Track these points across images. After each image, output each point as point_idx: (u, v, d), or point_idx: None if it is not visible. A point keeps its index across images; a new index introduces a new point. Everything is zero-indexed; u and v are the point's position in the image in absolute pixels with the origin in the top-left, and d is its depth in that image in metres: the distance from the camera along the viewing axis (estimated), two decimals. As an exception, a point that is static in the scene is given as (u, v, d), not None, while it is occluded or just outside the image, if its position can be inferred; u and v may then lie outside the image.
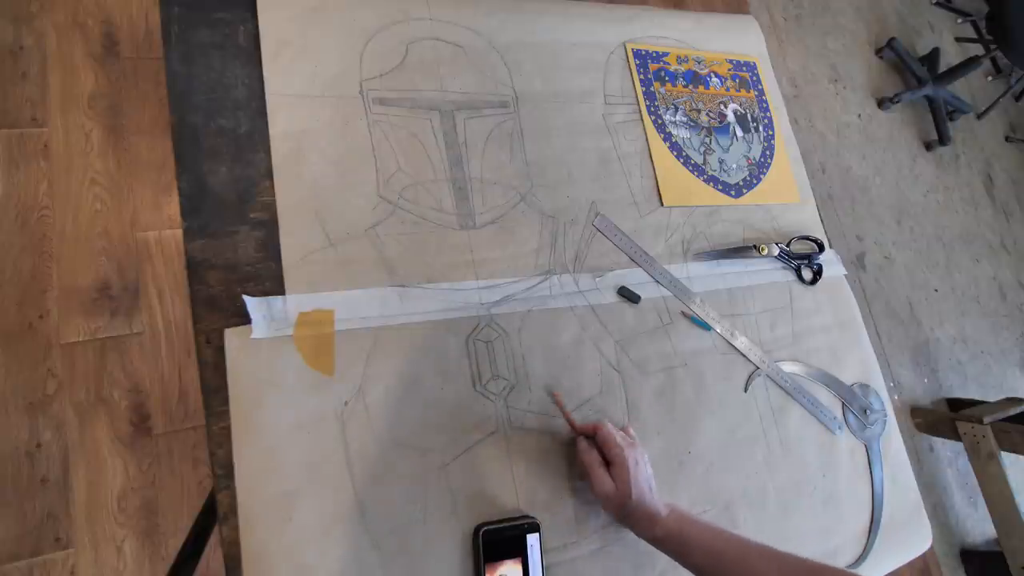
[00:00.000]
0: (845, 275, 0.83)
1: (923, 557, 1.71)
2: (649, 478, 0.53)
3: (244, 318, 0.50)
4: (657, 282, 0.69)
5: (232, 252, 0.53)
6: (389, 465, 0.52)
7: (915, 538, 0.74)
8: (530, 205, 0.66)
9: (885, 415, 0.77)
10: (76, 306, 1.13)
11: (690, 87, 0.81)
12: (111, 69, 1.25)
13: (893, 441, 0.77)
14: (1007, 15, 1.89)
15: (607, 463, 0.54)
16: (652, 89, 0.78)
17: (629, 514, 0.52)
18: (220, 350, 0.49)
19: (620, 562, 0.58)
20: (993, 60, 2.59)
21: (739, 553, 0.47)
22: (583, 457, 0.55)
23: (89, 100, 1.23)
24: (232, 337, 0.49)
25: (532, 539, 0.53)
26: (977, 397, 2.03)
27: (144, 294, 1.18)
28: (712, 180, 0.78)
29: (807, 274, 0.79)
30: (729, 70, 0.85)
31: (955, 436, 1.75)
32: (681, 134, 0.78)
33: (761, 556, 0.47)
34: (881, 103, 2.30)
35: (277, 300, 0.52)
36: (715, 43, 0.86)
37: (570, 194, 0.68)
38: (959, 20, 2.62)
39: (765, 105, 0.86)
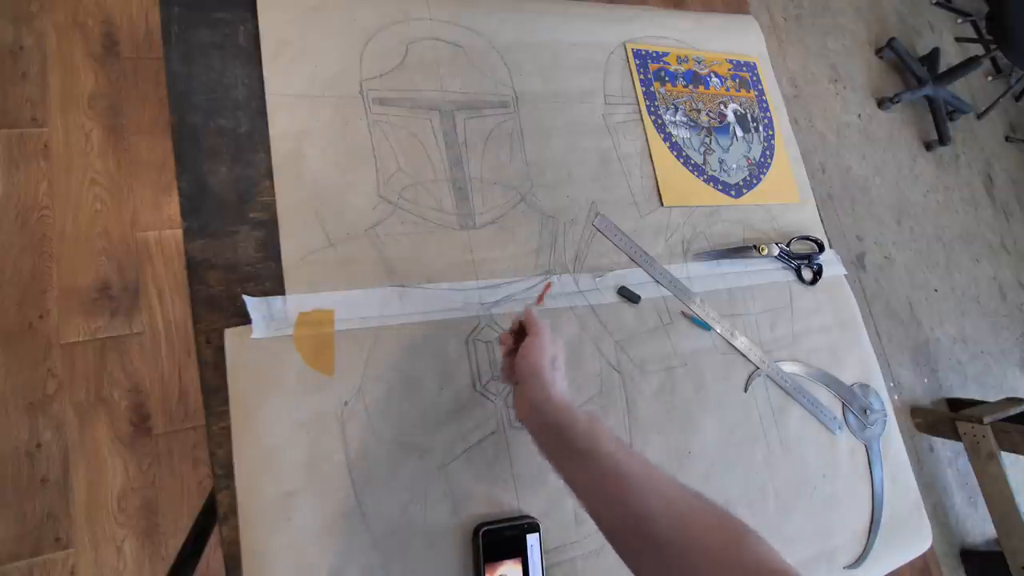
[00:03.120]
0: (845, 275, 0.83)
1: (923, 557, 1.71)
2: (553, 355, 0.48)
3: (244, 318, 0.50)
4: (657, 282, 0.69)
5: (232, 252, 0.53)
6: (389, 465, 0.52)
7: (915, 538, 0.74)
8: (530, 205, 0.66)
9: (885, 415, 0.77)
10: (76, 306, 1.13)
11: (690, 87, 0.81)
12: (111, 69, 1.25)
13: (893, 441, 0.77)
14: (1007, 15, 1.89)
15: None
16: (652, 89, 0.78)
17: (522, 383, 0.48)
18: (220, 350, 0.49)
19: (620, 562, 0.57)
20: (993, 60, 2.59)
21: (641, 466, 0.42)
22: (502, 343, 0.52)
23: (89, 100, 1.23)
24: (232, 337, 0.49)
25: (532, 539, 0.53)
26: (977, 397, 2.03)
27: (144, 294, 1.18)
28: (712, 180, 0.78)
29: (807, 274, 0.79)
30: (729, 70, 0.85)
31: (955, 436, 1.75)
32: (681, 134, 0.78)
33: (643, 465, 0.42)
34: (881, 103, 2.30)
35: (277, 300, 0.52)
36: (715, 43, 0.86)
37: (570, 194, 0.68)
38: (959, 20, 2.62)
39: (765, 105, 0.86)
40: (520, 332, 0.52)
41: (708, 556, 0.36)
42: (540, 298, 0.62)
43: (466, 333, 0.58)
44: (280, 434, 0.49)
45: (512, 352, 0.51)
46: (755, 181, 0.81)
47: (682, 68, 0.82)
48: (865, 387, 0.77)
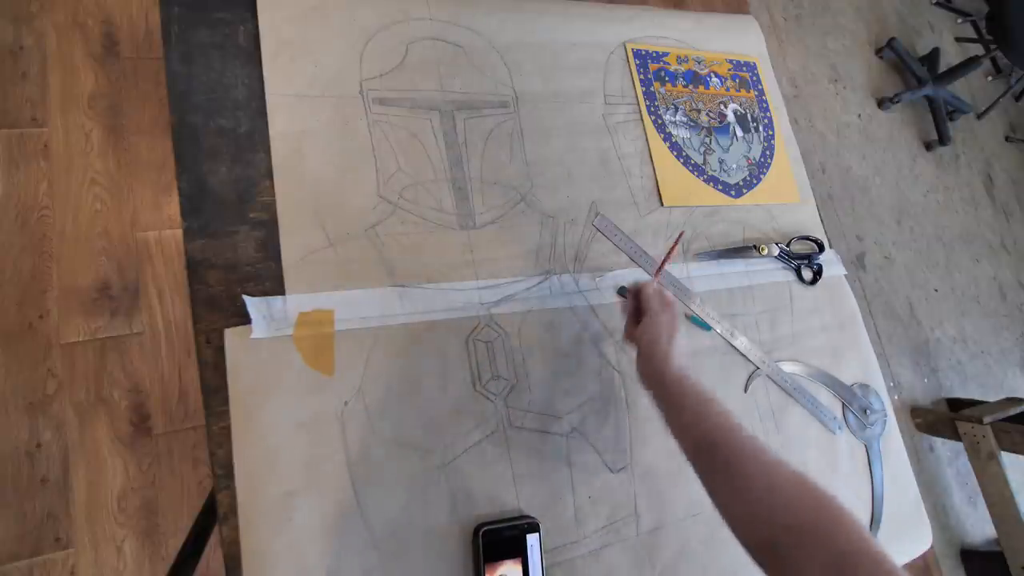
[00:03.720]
0: (845, 275, 0.83)
1: (923, 557, 1.71)
2: (669, 332, 0.54)
3: (244, 318, 0.50)
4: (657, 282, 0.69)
5: (232, 252, 0.53)
6: (389, 465, 0.52)
7: (915, 538, 0.75)
8: (530, 205, 0.66)
9: (885, 415, 0.77)
10: (76, 306, 1.13)
11: (690, 87, 0.81)
12: (111, 69, 1.25)
13: (893, 441, 0.77)
14: (1007, 15, 1.89)
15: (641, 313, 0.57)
16: (652, 89, 0.78)
17: (640, 353, 0.55)
18: (220, 350, 0.49)
19: (620, 562, 0.58)
20: (993, 60, 2.59)
21: (725, 426, 0.48)
22: (626, 306, 0.60)
23: (89, 100, 1.23)
24: (232, 337, 0.49)
25: (532, 539, 0.53)
26: (977, 397, 2.03)
27: (144, 294, 1.18)
28: (712, 180, 0.78)
29: (807, 274, 0.79)
30: (729, 70, 0.85)
31: (955, 436, 1.75)
32: (681, 134, 0.78)
33: (746, 440, 0.47)
34: (881, 103, 2.30)
35: (277, 300, 0.52)
36: (715, 43, 0.86)
37: (570, 194, 0.68)
38: (959, 20, 2.62)
39: (765, 105, 0.86)
40: (638, 295, 0.58)
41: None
42: (668, 257, 0.62)
43: (466, 333, 0.58)
44: (280, 434, 0.49)
45: (633, 317, 0.58)
46: (755, 181, 0.81)
47: (682, 68, 0.82)
48: (865, 387, 0.77)
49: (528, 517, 0.54)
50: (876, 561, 0.36)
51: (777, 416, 0.70)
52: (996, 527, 1.64)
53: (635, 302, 0.59)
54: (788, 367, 0.73)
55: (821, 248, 0.80)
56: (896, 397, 1.93)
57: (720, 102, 0.83)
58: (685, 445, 0.48)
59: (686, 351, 0.56)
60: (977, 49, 2.50)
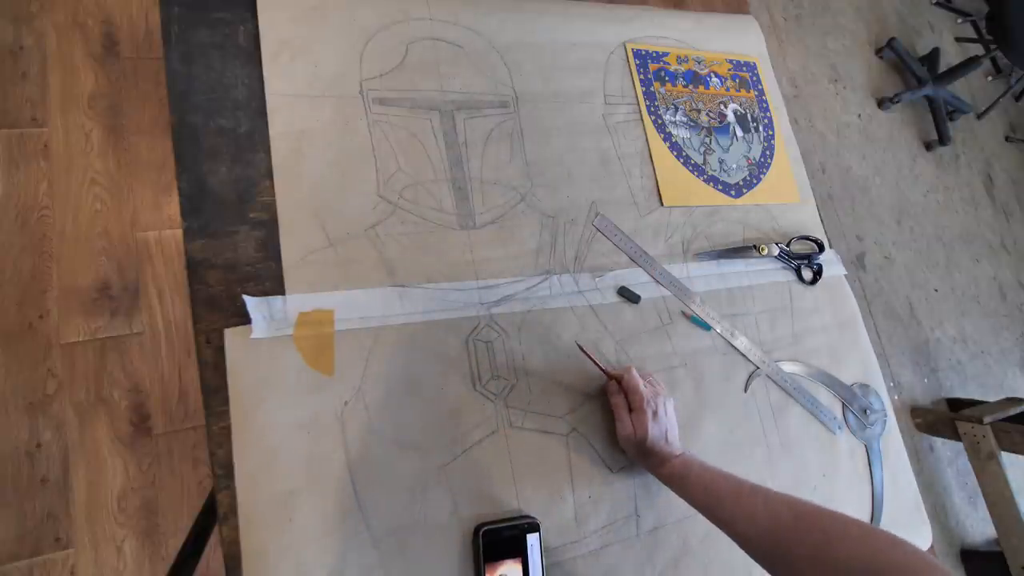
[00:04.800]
0: (845, 275, 0.83)
1: (923, 557, 1.71)
2: (667, 424, 0.57)
3: (244, 318, 0.50)
4: (657, 282, 0.69)
5: (232, 252, 0.53)
6: (389, 465, 0.52)
7: (915, 538, 0.74)
8: (530, 205, 0.66)
9: (885, 415, 0.77)
10: (76, 306, 1.13)
11: (690, 87, 0.81)
12: (111, 69, 1.25)
13: (893, 441, 0.77)
14: (1007, 15, 1.89)
15: (630, 407, 0.58)
16: (652, 89, 0.78)
17: (642, 453, 0.57)
18: (220, 350, 0.49)
19: (620, 562, 0.58)
20: (993, 60, 2.59)
21: (732, 489, 0.51)
22: (611, 399, 0.60)
23: (89, 100, 1.23)
24: (232, 337, 0.49)
25: (532, 539, 0.53)
26: (977, 397, 2.03)
27: (144, 294, 1.18)
28: (712, 180, 0.78)
29: (807, 274, 0.79)
30: (729, 70, 0.85)
31: (955, 436, 1.75)
32: (681, 134, 0.78)
33: (752, 492, 0.50)
34: (881, 103, 2.30)
35: (277, 300, 0.52)
36: (715, 43, 0.86)
37: (570, 194, 0.68)
38: (959, 20, 2.62)
39: (765, 105, 0.86)
40: (624, 391, 0.59)
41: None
42: (596, 363, 0.60)
43: (466, 333, 0.58)
44: (280, 434, 0.49)
45: (627, 407, 0.58)
46: (755, 181, 0.81)
47: (682, 68, 0.82)
48: (865, 387, 0.77)
49: (528, 517, 0.54)
50: None
51: (777, 416, 0.70)
52: (996, 527, 1.64)
53: (621, 394, 0.59)
54: (788, 367, 0.73)
55: (821, 248, 0.80)
56: (896, 397, 1.93)
57: (720, 102, 0.83)
58: (746, 536, 0.48)
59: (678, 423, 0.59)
60: (977, 49, 2.50)
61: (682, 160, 0.77)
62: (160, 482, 1.11)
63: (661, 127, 0.77)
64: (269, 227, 0.54)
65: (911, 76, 2.33)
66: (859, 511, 0.72)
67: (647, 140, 0.75)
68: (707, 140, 0.80)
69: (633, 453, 0.58)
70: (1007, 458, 1.63)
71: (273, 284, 0.53)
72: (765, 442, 0.69)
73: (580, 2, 0.80)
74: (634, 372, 0.58)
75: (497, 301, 0.60)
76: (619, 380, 0.59)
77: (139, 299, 1.17)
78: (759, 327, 0.73)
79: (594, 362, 0.60)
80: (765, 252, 0.76)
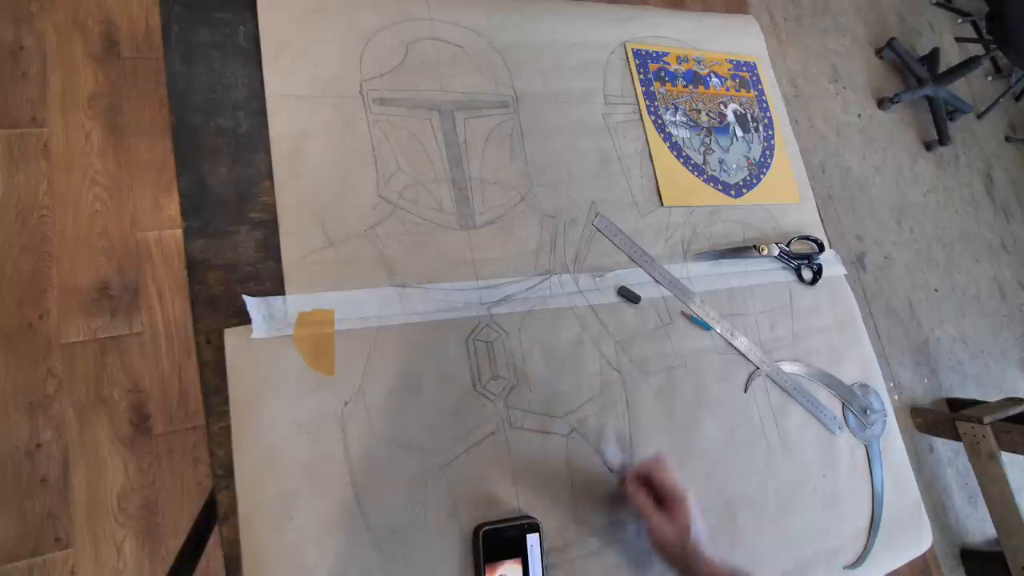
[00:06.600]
0: (845, 275, 0.83)
1: (923, 557, 1.71)
2: (698, 535, 0.50)
3: (244, 318, 0.50)
4: (657, 282, 0.69)
5: (232, 252, 0.53)
6: (389, 465, 0.52)
7: (915, 538, 0.74)
8: (530, 205, 0.66)
9: (885, 415, 0.77)
10: (76, 306, 1.13)
11: (690, 87, 0.81)
12: (111, 69, 1.25)
13: (893, 441, 0.77)
14: (1007, 15, 1.89)
15: (659, 502, 0.52)
16: (652, 89, 0.78)
17: (688, 555, 0.49)
18: (220, 350, 0.49)
19: (620, 562, 0.58)
20: (993, 60, 2.59)
21: None
22: (635, 500, 0.53)
23: (89, 100, 1.23)
24: (232, 337, 0.49)
25: (532, 539, 0.53)
26: (977, 397, 2.03)
27: (144, 294, 1.18)
28: (712, 180, 0.78)
29: (807, 274, 0.79)
30: (729, 70, 0.85)
31: (955, 436, 1.75)
32: (681, 134, 0.78)
33: None
34: (881, 103, 2.30)
35: (277, 300, 0.52)
36: (715, 43, 0.86)
37: (570, 194, 0.68)
38: (959, 20, 2.62)
39: (765, 105, 0.86)
40: (648, 481, 0.53)
41: None
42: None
43: (466, 333, 0.58)
44: (280, 434, 0.49)
45: (651, 508, 0.52)
46: (755, 181, 0.81)
47: (682, 68, 0.82)
48: (865, 387, 0.77)
49: (528, 517, 0.54)
50: None
51: (777, 416, 0.70)
52: (996, 527, 1.64)
53: (642, 495, 0.52)
54: (788, 367, 0.73)
55: (821, 248, 0.80)
56: (896, 397, 1.93)
57: (720, 102, 0.83)
58: None
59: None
60: (977, 49, 2.50)
61: (682, 160, 0.77)
62: (160, 482, 1.11)
63: (661, 127, 0.77)
64: (269, 227, 0.54)
65: (911, 76, 2.33)
66: (859, 511, 0.72)
67: (647, 140, 0.75)
68: (707, 140, 0.80)
69: (676, 559, 0.50)
70: (1007, 458, 1.63)
71: (273, 284, 0.53)
72: (765, 442, 0.69)
73: (580, 2, 0.80)
74: (663, 459, 0.52)
75: (497, 301, 0.60)
76: (644, 473, 0.53)
77: (139, 299, 1.17)
78: (759, 327, 0.73)
79: (609, 468, 0.58)
80: (765, 252, 0.76)
